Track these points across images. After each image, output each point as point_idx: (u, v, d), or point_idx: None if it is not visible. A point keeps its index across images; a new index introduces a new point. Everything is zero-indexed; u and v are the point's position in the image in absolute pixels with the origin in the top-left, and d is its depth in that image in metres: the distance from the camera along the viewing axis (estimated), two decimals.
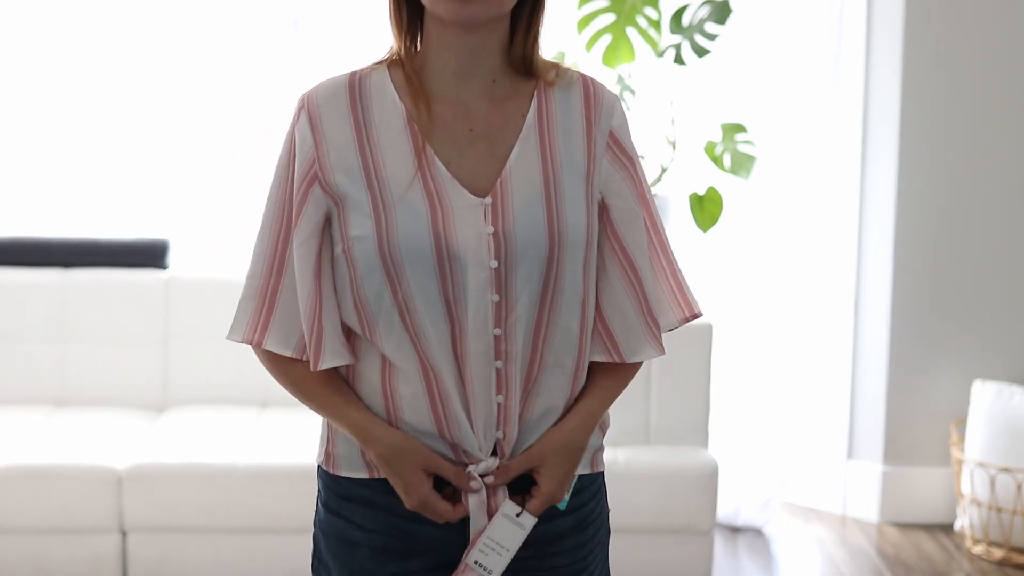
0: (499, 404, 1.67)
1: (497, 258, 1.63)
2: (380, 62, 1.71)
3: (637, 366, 1.78)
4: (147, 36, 4.61)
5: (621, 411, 3.72)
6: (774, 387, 4.61)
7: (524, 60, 1.69)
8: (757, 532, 4.39)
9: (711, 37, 4.12)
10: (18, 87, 4.61)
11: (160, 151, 4.66)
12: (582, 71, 1.76)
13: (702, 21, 4.10)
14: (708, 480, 3.64)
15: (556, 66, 1.72)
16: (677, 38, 4.16)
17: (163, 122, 4.65)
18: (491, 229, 1.63)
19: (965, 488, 4.24)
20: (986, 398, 4.23)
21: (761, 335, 4.64)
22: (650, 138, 4.37)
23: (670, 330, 1.78)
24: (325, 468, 1.75)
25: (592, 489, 1.78)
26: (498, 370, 1.66)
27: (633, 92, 4.26)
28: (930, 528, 4.46)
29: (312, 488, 3.17)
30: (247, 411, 4.05)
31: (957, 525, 4.35)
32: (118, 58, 4.61)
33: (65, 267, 4.21)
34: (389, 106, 1.67)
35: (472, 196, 1.63)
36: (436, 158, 1.64)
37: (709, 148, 4.13)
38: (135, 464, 3.58)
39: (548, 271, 1.64)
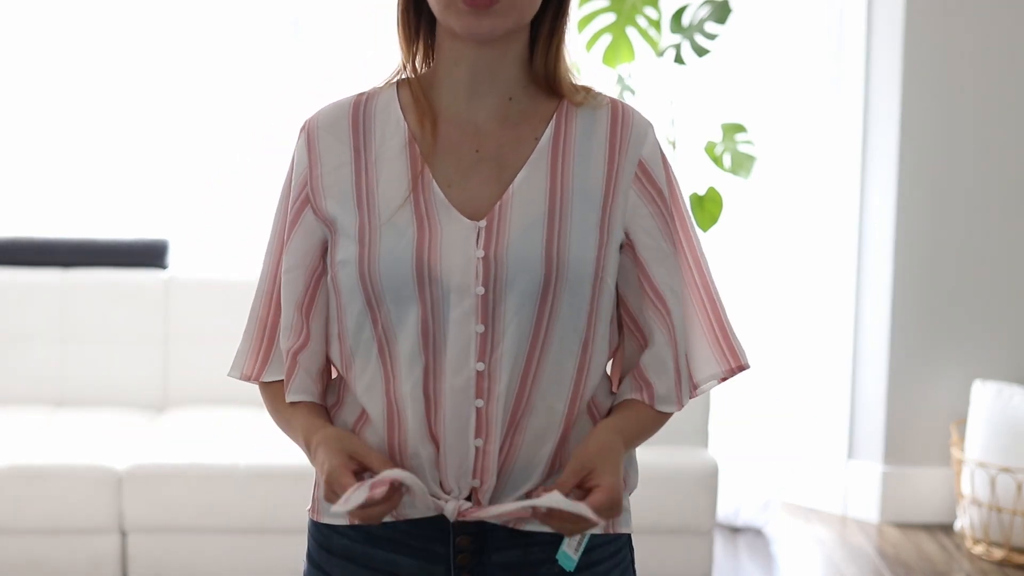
0: (477, 448, 1.51)
1: (484, 284, 1.49)
2: (390, 81, 1.60)
3: (666, 417, 1.63)
4: (147, 37, 4.61)
5: None
6: (774, 387, 4.61)
7: (547, 76, 1.56)
8: (757, 532, 4.39)
9: (711, 37, 4.12)
10: (18, 87, 4.61)
11: (160, 151, 4.66)
12: (615, 97, 1.61)
13: (702, 21, 4.10)
14: (708, 480, 3.64)
15: (588, 89, 1.59)
16: (677, 38, 4.16)
17: (163, 122, 4.65)
18: (481, 253, 1.49)
19: (965, 488, 4.23)
20: (986, 398, 4.23)
21: (761, 335, 4.64)
22: None
23: (713, 384, 1.63)
24: (311, 516, 1.64)
25: (608, 551, 1.61)
26: (479, 410, 1.51)
27: (633, 92, 4.26)
28: (930, 528, 4.45)
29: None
30: (247, 411, 4.05)
31: (957, 525, 4.35)
32: (118, 59, 4.61)
33: (65, 267, 4.21)
34: (392, 126, 1.56)
35: (467, 220, 1.51)
36: (434, 181, 1.53)
37: (709, 148, 4.13)
38: (135, 464, 3.58)
39: (543, 303, 1.50)
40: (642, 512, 3.63)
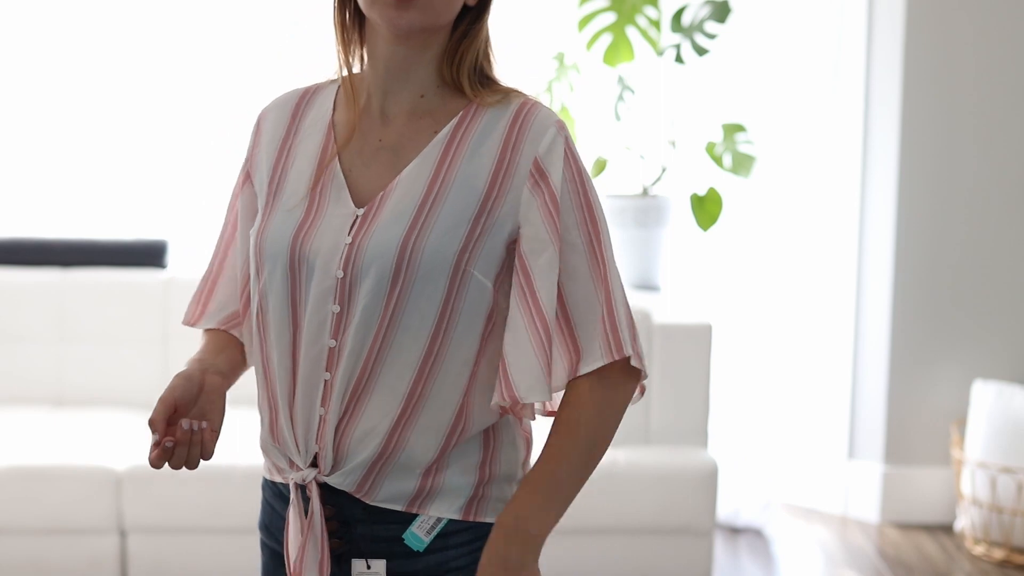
0: (321, 416, 1.64)
1: (344, 269, 1.60)
2: (337, 77, 1.74)
3: (576, 409, 1.63)
4: (146, 37, 4.61)
5: None
6: (774, 387, 4.61)
7: (452, 78, 1.67)
8: (757, 533, 4.38)
9: (711, 37, 4.11)
10: (18, 87, 4.60)
11: (159, 151, 4.66)
12: (536, 100, 1.68)
13: (702, 21, 4.10)
14: (708, 480, 3.64)
15: (510, 91, 1.67)
16: (677, 38, 4.16)
17: (162, 123, 4.65)
18: (349, 240, 1.61)
19: (966, 488, 4.23)
20: (986, 398, 4.22)
21: (761, 335, 4.64)
22: (650, 138, 4.37)
23: (592, 369, 1.63)
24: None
25: (465, 537, 1.67)
26: (326, 382, 1.63)
27: (633, 92, 4.25)
28: (931, 528, 4.45)
29: None
30: (246, 411, 4.05)
31: (958, 525, 4.35)
32: (117, 59, 4.60)
33: (64, 267, 4.20)
34: (321, 115, 1.72)
35: (352, 206, 1.63)
36: (339, 167, 1.66)
37: (709, 148, 4.13)
38: (134, 464, 3.58)
39: (391, 289, 1.59)
40: (642, 512, 3.63)
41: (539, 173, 1.63)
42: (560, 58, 4.33)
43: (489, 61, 1.69)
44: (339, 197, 1.64)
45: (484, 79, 1.68)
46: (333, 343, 1.62)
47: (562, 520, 3.43)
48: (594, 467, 1.65)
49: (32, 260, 4.20)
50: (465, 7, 1.65)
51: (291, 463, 1.68)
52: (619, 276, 1.68)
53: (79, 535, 3.56)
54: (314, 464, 1.66)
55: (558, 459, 1.63)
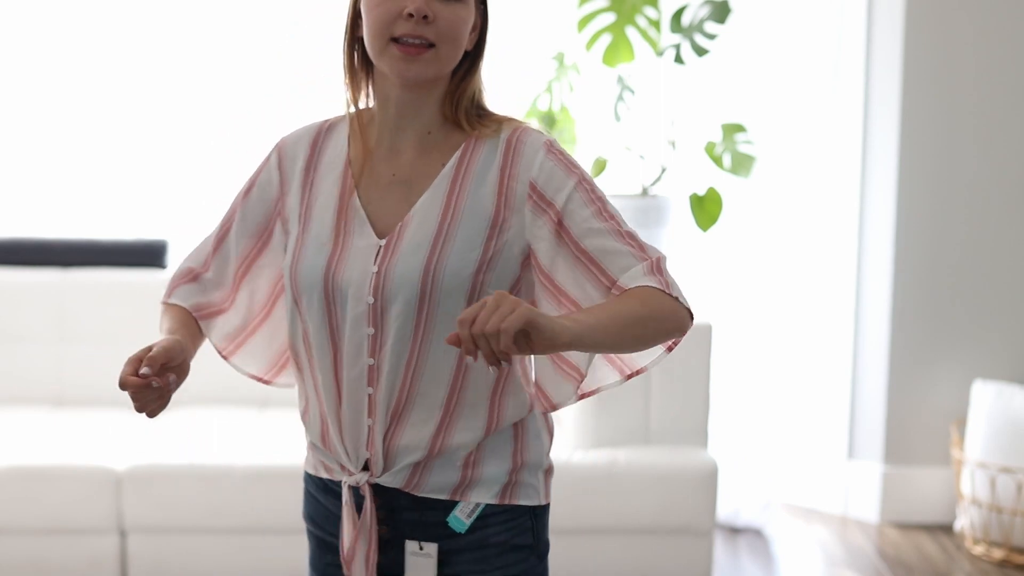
0: (369, 427, 1.83)
1: (374, 295, 1.78)
2: (346, 113, 1.89)
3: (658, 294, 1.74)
4: (147, 36, 4.61)
5: (621, 411, 3.71)
6: (774, 387, 4.61)
7: (454, 116, 1.83)
8: (757, 533, 4.38)
9: (711, 37, 4.11)
10: (18, 87, 4.60)
11: (159, 151, 4.66)
12: (525, 126, 1.84)
13: (702, 21, 4.10)
14: (708, 480, 3.64)
15: (503, 121, 1.84)
16: (677, 38, 4.16)
17: (162, 123, 4.65)
18: (375, 269, 1.78)
19: (965, 488, 4.23)
20: (986, 398, 4.22)
21: (761, 335, 4.64)
22: (650, 138, 4.37)
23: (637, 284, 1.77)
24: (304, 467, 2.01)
25: (500, 519, 1.87)
26: (370, 395, 1.82)
27: (633, 92, 4.25)
28: (930, 528, 4.45)
29: None
30: (247, 411, 4.05)
31: (957, 525, 4.35)
32: (117, 59, 4.60)
33: (64, 267, 4.20)
34: (337, 152, 1.87)
35: (375, 237, 1.81)
36: (358, 200, 1.83)
37: (709, 148, 4.13)
38: (134, 464, 3.57)
39: (420, 310, 1.77)
40: (642, 512, 3.63)
41: (537, 195, 1.79)
42: (560, 58, 4.33)
43: (481, 92, 1.86)
44: (362, 230, 1.81)
45: (479, 110, 1.85)
46: (372, 361, 1.81)
47: (562, 520, 3.44)
48: (631, 337, 1.71)
49: (32, 260, 4.20)
50: (464, 52, 1.82)
51: (342, 467, 1.87)
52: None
53: (79, 535, 3.56)
54: (364, 467, 1.85)
55: (606, 306, 1.71)
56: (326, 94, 4.57)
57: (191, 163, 4.66)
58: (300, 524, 3.44)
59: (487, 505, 1.86)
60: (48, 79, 4.60)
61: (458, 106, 1.83)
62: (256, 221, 1.91)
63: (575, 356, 1.84)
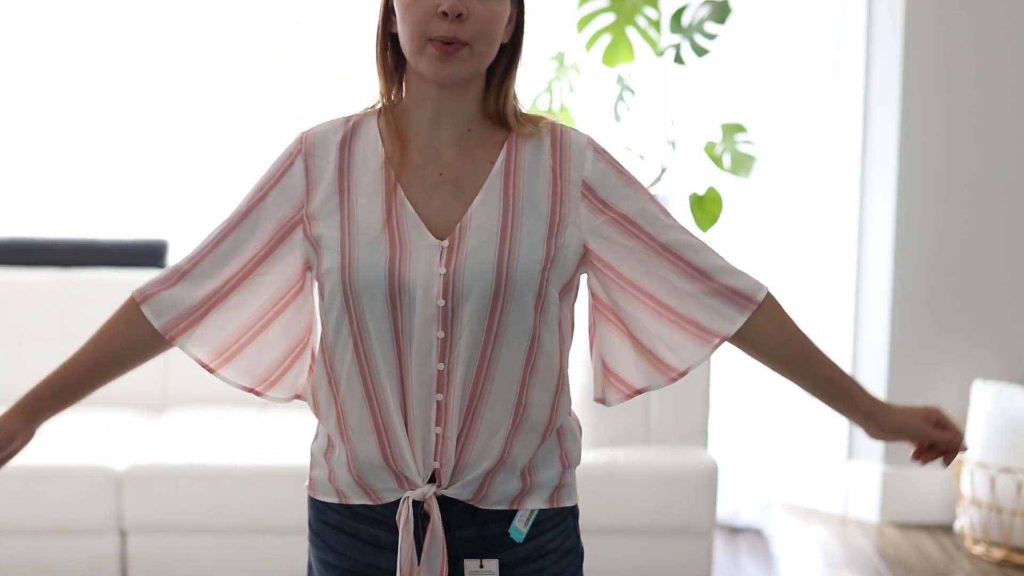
0: (438, 435, 1.76)
1: (444, 297, 1.73)
2: (373, 107, 1.84)
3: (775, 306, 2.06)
4: (147, 36, 4.61)
5: (621, 411, 3.71)
6: (774, 387, 4.61)
7: (496, 112, 1.81)
8: (757, 533, 4.39)
9: (711, 37, 4.11)
10: (18, 88, 4.61)
11: (160, 151, 4.66)
12: (564, 124, 1.83)
13: (702, 21, 4.10)
14: (708, 480, 3.64)
15: (536, 119, 1.82)
16: (677, 38, 4.16)
17: (162, 123, 4.65)
18: (443, 270, 1.73)
19: (965, 488, 4.23)
20: (986, 398, 4.22)
21: None
22: (650, 138, 4.37)
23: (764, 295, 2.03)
24: (308, 492, 1.89)
25: (553, 522, 1.87)
26: (439, 402, 1.75)
27: (633, 92, 4.25)
28: (930, 528, 4.45)
29: None
30: (247, 411, 4.05)
31: (957, 525, 4.35)
32: (118, 59, 4.61)
33: (65, 267, 4.21)
34: (371, 149, 1.80)
35: (432, 237, 1.75)
36: (405, 199, 1.76)
37: (709, 148, 4.13)
38: (134, 464, 3.58)
39: (493, 310, 1.73)
40: (642, 512, 3.63)
41: (591, 193, 1.80)
42: (560, 58, 4.33)
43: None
44: (415, 228, 1.75)
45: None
46: (441, 366, 1.75)
47: None
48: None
49: (33, 260, 4.20)
50: (501, 45, 1.78)
51: (404, 482, 1.78)
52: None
53: (79, 535, 3.56)
54: (430, 480, 1.78)
55: (825, 357, 2.01)
56: (326, 94, 4.57)
57: (191, 163, 4.66)
58: (300, 524, 3.44)
59: (540, 511, 1.84)
60: (49, 79, 4.60)
61: (505, 102, 1.80)
62: (271, 224, 1.81)
63: (623, 365, 1.88)
